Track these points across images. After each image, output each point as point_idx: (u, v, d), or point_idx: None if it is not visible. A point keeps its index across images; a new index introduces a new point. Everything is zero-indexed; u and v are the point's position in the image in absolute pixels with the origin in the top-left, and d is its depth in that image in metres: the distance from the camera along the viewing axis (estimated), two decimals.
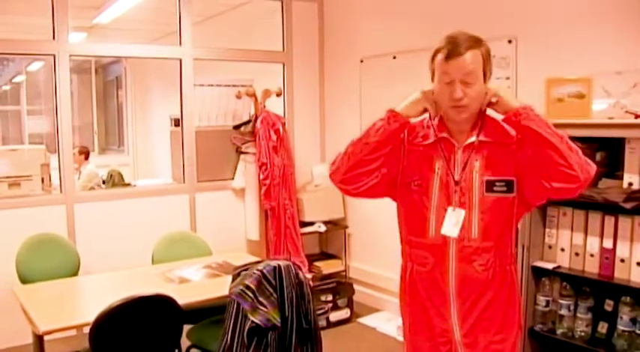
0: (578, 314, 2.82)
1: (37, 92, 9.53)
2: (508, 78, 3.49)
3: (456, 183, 1.83)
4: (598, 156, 2.73)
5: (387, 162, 1.87)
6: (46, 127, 8.90)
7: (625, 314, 2.64)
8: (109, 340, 2.39)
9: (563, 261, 2.90)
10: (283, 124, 4.59)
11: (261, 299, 2.36)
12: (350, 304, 4.48)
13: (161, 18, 5.79)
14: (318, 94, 5.09)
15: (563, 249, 2.91)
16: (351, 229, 4.90)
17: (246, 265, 2.53)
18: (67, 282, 3.21)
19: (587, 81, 2.80)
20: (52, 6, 3.87)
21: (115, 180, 7.04)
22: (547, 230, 2.98)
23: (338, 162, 1.90)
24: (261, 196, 4.46)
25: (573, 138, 1.74)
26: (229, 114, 4.70)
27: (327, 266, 4.69)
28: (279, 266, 2.42)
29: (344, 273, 4.80)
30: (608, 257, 2.73)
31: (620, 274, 2.68)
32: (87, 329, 2.37)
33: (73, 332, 2.91)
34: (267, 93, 4.54)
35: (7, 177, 4.16)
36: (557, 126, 1.73)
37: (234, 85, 4.62)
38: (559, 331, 2.87)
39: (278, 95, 4.66)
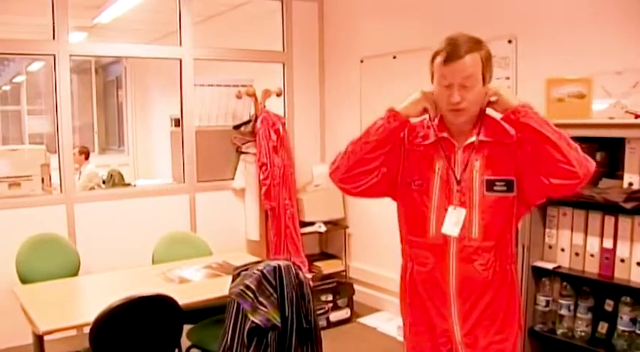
0: (578, 314, 2.82)
1: (37, 92, 9.54)
2: (508, 78, 3.49)
3: (458, 181, 1.83)
4: (598, 156, 2.73)
5: (387, 161, 1.87)
6: (47, 127, 8.90)
7: (625, 314, 2.64)
8: (109, 340, 2.39)
9: (564, 260, 2.90)
10: (283, 124, 4.59)
11: (261, 299, 2.36)
12: (350, 304, 4.48)
13: (161, 18, 5.79)
14: (318, 94, 5.09)
15: (563, 249, 2.91)
16: (352, 229, 4.90)
17: (246, 265, 2.53)
18: (67, 282, 3.21)
19: (587, 81, 2.80)
20: (52, 6, 3.87)
21: (115, 180, 7.05)
22: (547, 230, 2.97)
23: (338, 161, 1.90)
24: (262, 196, 4.46)
25: (573, 139, 1.74)
26: (229, 114, 4.70)
27: (327, 267, 4.69)
28: (280, 266, 2.42)
29: (344, 273, 4.80)
30: (608, 257, 2.73)
31: (620, 274, 2.68)
32: (87, 329, 2.37)
33: (73, 332, 2.91)
34: (267, 93, 4.55)
35: (8, 177, 4.16)
36: (557, 126, 1.74)
37: (234, 85, 4.62)
38: (559, 331, 2.87)
39: (278, 95, 4.66)
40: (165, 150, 5.43)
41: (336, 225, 4.86)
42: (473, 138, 1.83)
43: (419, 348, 1.98)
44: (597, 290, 2.80)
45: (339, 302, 4.42)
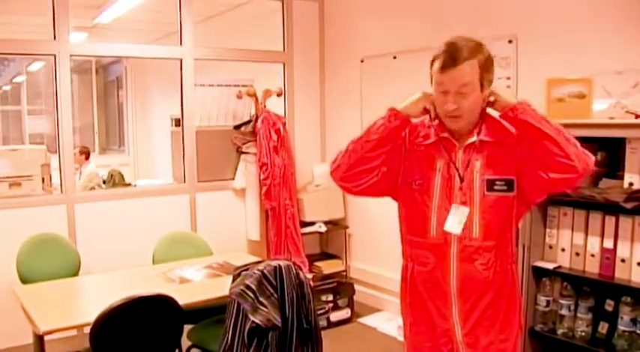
0: (579, 314, 2.82)
1: (37, 92, 9.54)
2: (509, 78, 3.49)
3: (462, 178, 1.83)
4: (599, 156, 2.73)
5: (388, 160, 1.87)
6: (47, 127, 8.90)
7: (625, 315, 2.64)
8: (110, 340, 2.39)
9: (564, 260, 2.90)
10: (284, 124, 4.59)
11: (261, 299, 2.36)
12: (350, 304, 4.48)
13: (161, 18, 5.79)
14: (319, 94, 5.09)
15: (563, 249, 2.91)
16: (352, 229, 4.90)
17: (246, 265, 2.53)
18: (68, 282, 3.21)
19: (587, 81, 2.80)
20: (52, 6, 3.87)
21: (115, 180, 7.05)
22: (548, 230, 2.97)
23: (339, 160, 1.90)
24: (262, 196, 4.46)
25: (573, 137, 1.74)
26: (230, 114, 4.70)
27: (327, 266, 4.69)
28: (280, 266, 2.42)
29: (344, 273, 4.80)
30: (608, 257, 2.72)
31: (620, 274, 2.68)
32: (87, 329, 2.37)
33: (74, 332, 2.91)
34: (267, 93, 4.55)
35: (8, 177, 4.16)
36: None
37: (234, 85, 4.62)
38: (559, 331, 2.87)
39: (278, 95, 4.66)
40: (165, 150, 5.43)
41: (337, 225, 4.86)
42: (473, 139, 1.84)
43: (419, 348, 1.98)
44: (598, 290, 2.80)
45: (340, 302, 4.41)
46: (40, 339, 2.57)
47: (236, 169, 4.63)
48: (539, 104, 2.62)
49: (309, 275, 4.15)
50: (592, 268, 2.78)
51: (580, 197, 2.68)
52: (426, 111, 1.86)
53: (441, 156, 1.87)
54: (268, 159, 4.41)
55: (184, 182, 4.49)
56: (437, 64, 1.75)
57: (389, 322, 4.30)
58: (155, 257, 3.53)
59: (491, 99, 1.80)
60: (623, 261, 2.67)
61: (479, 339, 1.85)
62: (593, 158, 1.74)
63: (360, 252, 4.85)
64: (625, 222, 2.67)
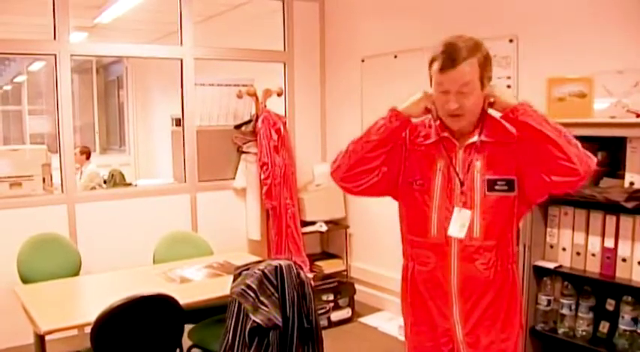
0: (580, 314, 2.81)
1: (38, 92, 9.53)
2: (509, 77, 3.48)
3: (462, 182, 1.82)
4: (599, 156, 2.72)
5: (388, 160, 1.87)
6: (48, 127, 8.90)
7: (626, 314, 2.64)
8: (111, 340, 2.39)
9: (565, 260, 2.90)
10: (284, 124, 4.59)
11: (262, 298, 2.36)
12: (351, 304, 4.47)
13: (162, 18, 5.79)
14: (319, 94, 5.08)
15: (564, 249, 2.91)
16: (353, 229, 4.90)
17: (247, 265, 2.52)
18: (69, 282, 3.21)
19: (588, 80, 2.80)
20: (52, 6, 3.87)
21: (116, 180, 7.06)
22: (548, 229, 2.97)
23: (339, 160, 1.90)
24: (263, 196, 4.46)
25: (574, 138, 1.74)
26: (230, 113, 4.70)
27: (328, 266, 4.69)
28: (281, 265, 2.42)
29: (345, 273, 4.81)
30: (609, 256, 2.72)
31: (621, 273, 2.68)
32: (88, 329, 2.37)
33: (75, 332, 2.91)
34: (268, 93, 4.55)
35: (9, 177, 4.16)
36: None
37: (235, 85, 4.62)
38: (560, 330, 2.87)
39: (279, 95, 4.66)
40: (166, 149, 5.43)
41: (337, 225, 4.86)
42: (474, 139, 1.83)
43: (420, 348, 1.98)
44: (598, 289, 2.79)
45: (340, 301, 4.41)
46: (40, 339, 2.57)
47: (237, 169, 4.63)
48: (540, 103, 2.63)
49: (310, 275, 4.15)
50: (593, 267, 2.78)
51: (581, 196, 2.68)
52: (427, 110, 1.86)
53: (442, 157, 1.86)
54: (269, 159, 4.41)
55: (185, 182, 4.49)
56: (436, 65, 1.75)
57: (390, 322, 4.30)
58: (156, 256, 3.53)
59: (491, 100, 1.79)
60: (624, 260, 2.67)
61: (480, 339, 1.85)
62: (594, 159, 1.73)
63: (360, 251, 4.85)
64: (626, 221, 2.66)
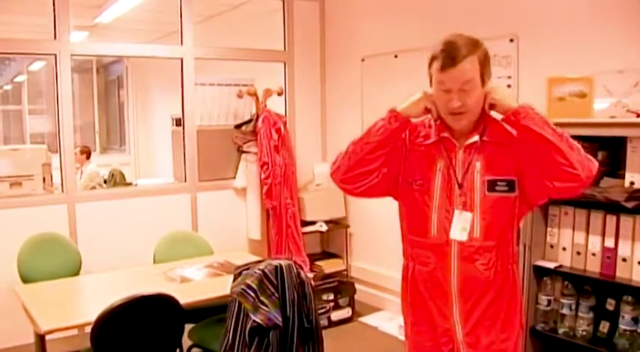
0: (580, 314, 2.81)
1: (38, 92, 9.53)
2: (509, 77, 3.48)
3: (460, 185, 1.82)
4: (600, 156, 2.72)
5: (388, 161, 1.87)
6: (48, 127, 8.90)
7: (627, 314, 2.64)
8: (111, 339, 2.39)
9: (565, 260, 2.90)
10: (284, 123, 4.59)
11: (262, 298, 2.36)
12: (351, 303, 4.47)
13: (162, 18, 5.79)
14: (320, 93, 5.08)
15: (564, 248, 2.91)
16: (353, 228, 4.90)
17: (247, 264, 2.52)
18: (69, 282, 3.21)
19: (588, 80, 2.80)
20: (53, 5, 3.87)
21: (116, 180, 7.06)
22: (549, 229, 2.97)
23: (339, 161, 1.90)
24: (263, 195, 4.46)
25: (574, 138, 1.73)
26: (231, 113, 4.70)
27: (328, 266, 4.69)
28: (281, 265, 2.42)
29: (345, 273, 4.81)
30: (609, 256, 2.72)
31: (621, 273, 2.68)
32: (88, 329, 2.37)
33: (75, 332, 2.91)
34: (268, 93, 4.55)
35: (9, 177, 4.16)
36: (558, 125, 1.73)
37: (235, 84, 4.62)
38: (561, 330, 2.87)
39: (279, 94, 4.66)
40: (166, 149, 5.43)
41: (338, 224, 4.86)
42: (474, 139, 1.83)
43: (420, 348, 1.98)
44: (599, 289, 2.79)
45: (341, 301, 4.41)
46: (41, 339, 2.57)
47: (237, 168, 4.63)
48: (540, 103, 2.63)
49: (310, 275, 4.15)
50: (593, 267, 2.78)
51: (581, 196, 2.67)
52: (427, 110, 1.85)
53: (442, 157, 1.86)
54: (269, 159, 4.41)
55: (185, 181, 4.49)
56: (437, 64, 1.74)
57: (390, 321, 4.30)
58: (156, 256, 3.54)
59: (492, 102, 1.79)
60: (624, 260, 2.67)
61: (480, 339, 1.85)
62: (596, 163, 1.73)
63: (360, 251, 4.85)
64: (626, 221, 2.66)
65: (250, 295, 2.35)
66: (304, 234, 4.60)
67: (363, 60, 4.65)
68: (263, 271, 2.39)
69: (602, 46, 2.98)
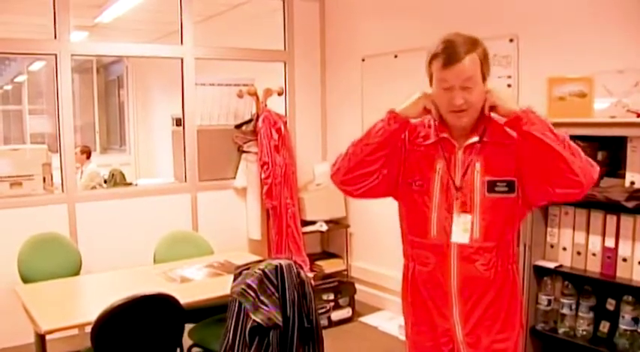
0: (580, 314, 2.81)
1: (38, 92, 9.54)
2: (509, 77, 3.48)
3: (458, 188, 1.82)
4: (600, 155, 2.73)
5: (388, 162, 1.86)
6: (48, 127, 8.90)
7: (627, 313, 2.64)
8: (111, 339, 2.40)
9: (565, 260, 2.90)
10: (285, 123, 4.59)
11: (262, 298, 2.36)
12: (352, 303, 4.47)
13: (162, 18, 5.79)
14: (320, 93, 5.08)
15: (565, 248, 2.91)
16: (353, 228, 4.90)
17: (247, 264, 2.52)
18: (69, 282, 3.21)
19: (588, 80, 2.80)
20: (53, 5, 3.87)
21: (116, 180, 7.06)
22: (549, 229, 2.97)
23: (339, 163, 1.90)
24: (263, 195, 4.46)
25: (575, 137, 1.73)
26: (231, 113, 4.70)
27: (328, 266, 4.69)
28: (281, 265, 2.42)
29: (345, 272, 4.81)
30: (610, 256, 2.72)
31: (622, 273, 2.68)
32: (89, 329, 2.37)
33: (75, 332, 2.92)
34: (268, 92, 4.55)
35: (9, 177, 4.16)
36: (558, 125, 1.73)
37: (235, 84, 4.62)
38: (561, 330, 2.87)
39: (279, 94, 4.66)
40: (166, 149, 5.43)
41: (338, 224, 4.86)
42: (473, 139, 1.83)
43: (420, 348, 1.98)
44: (599, 289, 2.79)
45: (341, 301, 4.41)
46: (41, 338, 2.57)
47: (237, 168, 4.63)
48: (540, 103, 2.63)
49: (310, 275, 4.15)
50: (593, 267, 2.78)
51: None
52: (426, 111, 1.85)
53: (441, 158, 1.86)
54: (269, 158, 4.41)
55: (185, 181, 4.49)
56: (438, 62, 1.74)
57: (390, 321, 4.30)
58: (156, 256, 3.54)
59: (493, 104, 1.78)
60: (624, 260, 2.67)
61: (480, 339, 1.85)
62: (597, 168, 1.72)
63: (361, 251, 4.85)
64: (626, 220, 2.66)
65: (250, 295, 2.35)
66: (304, 233, 4.60)
67: (363, 60, 4.65)
68: (263, 271, 2.39)
69: (602, 46, 2.98)
